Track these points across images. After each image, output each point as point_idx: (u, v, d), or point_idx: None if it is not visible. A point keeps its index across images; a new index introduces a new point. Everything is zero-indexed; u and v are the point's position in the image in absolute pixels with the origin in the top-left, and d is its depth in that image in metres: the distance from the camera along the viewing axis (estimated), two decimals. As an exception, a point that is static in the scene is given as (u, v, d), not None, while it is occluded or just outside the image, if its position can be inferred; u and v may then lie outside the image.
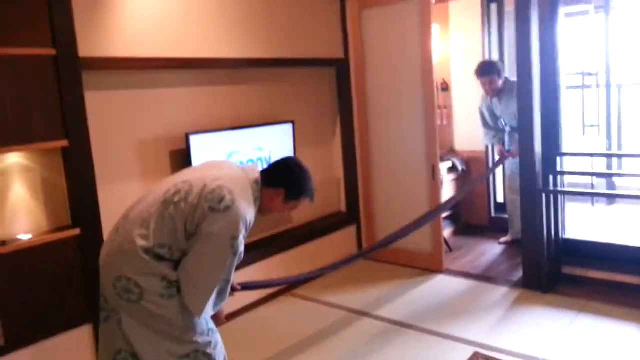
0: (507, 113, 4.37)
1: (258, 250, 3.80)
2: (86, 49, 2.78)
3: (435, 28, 4.62)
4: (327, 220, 4.44)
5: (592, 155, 4.99)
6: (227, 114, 3.67)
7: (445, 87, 5.15)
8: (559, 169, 3.72)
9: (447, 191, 4.82)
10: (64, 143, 2.71)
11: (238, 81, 3.74)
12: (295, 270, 4.00)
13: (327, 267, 3.31)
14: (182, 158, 3.28)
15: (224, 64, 3.51)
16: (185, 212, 1.90)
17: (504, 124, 4.49)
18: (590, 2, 5.11)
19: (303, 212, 4.21)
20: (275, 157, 3.83)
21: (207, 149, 3.40)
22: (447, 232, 4.92)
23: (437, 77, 5.10)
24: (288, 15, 3.93)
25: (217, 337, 2.07)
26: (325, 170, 4.53)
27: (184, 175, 2.07)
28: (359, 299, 3.71)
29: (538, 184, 3.57)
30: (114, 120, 3.07)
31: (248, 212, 1.94)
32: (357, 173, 4.54)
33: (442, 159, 4.87)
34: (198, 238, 1.88)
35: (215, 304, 1.97)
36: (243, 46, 3.61)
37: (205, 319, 2.03)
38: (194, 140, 3.31)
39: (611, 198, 5.29)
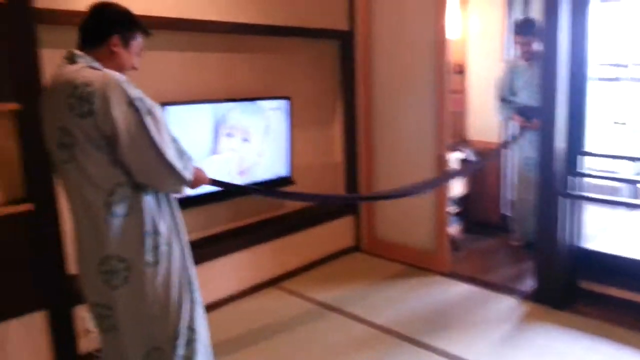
0: (532, 83, 3.91)
1: (245, 236, 3.47)
2: (43, -2, 2.39)
3: (453, 3, 4.19)
4: (323, 208, 4.06)
5: (619, 157, 4.55)
6: (213, 85, 3.28)
7: (460, 70, 4.71)
8: (580, 169, 3.31)
9: (455, 184, 4.42)
10: (13, 106, 2.35)
11: (227, 48, 3.34)
12: (283, 261, 3.69)
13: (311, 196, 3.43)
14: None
15: (210, 27, 3.09)
16: (85, 147, 1.65)
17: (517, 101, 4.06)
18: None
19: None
20: (265, 136, 3.47)
21: (185, 123, 3.02)
22: (454, 229, 4.52)
23: (452, 58, 4.69)
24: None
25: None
26: (323, 153, 4.14)
27: (47, 119, 1.73)
28: (348, 298, 3.36)
29: (557, 186, 3.17)
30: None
31: (113, 78, 1.66)
32: (357, 158, 4.15)
33: (452, 149, 4.48)
34: (114, 142, 1.64)
35: (185, 166, 1.77)
36: (233, 8, 3.20)
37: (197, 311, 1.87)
38: (171, 111, 2.93)
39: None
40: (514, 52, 4.34)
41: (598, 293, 3.19)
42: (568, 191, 3.21)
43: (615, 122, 4.93)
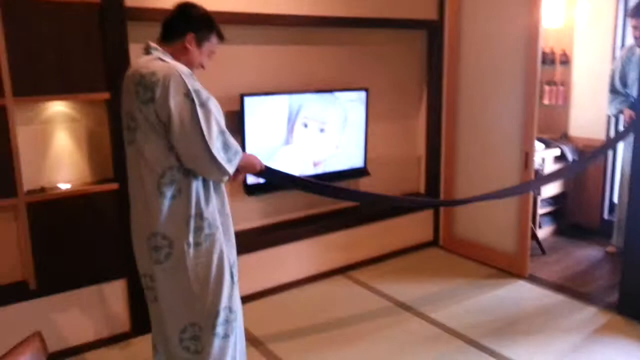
0: None
1: (321, 223, 3.56)
2: (134, -3, 2.65)
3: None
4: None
5: None
6: (290, 77, 3.39)
7: (565, 60, 4.38)
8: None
9: (548, 185, 4.14)
10: (106, 95, 2.64)
11: (306, 41, 3.42)
12: (356, 250, 3.74)
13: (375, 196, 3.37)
14: (234, 120, 3.08)
15: (291, 21, 3.19)
16: (145, 130, 1.82)
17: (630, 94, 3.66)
18: None
19: (377, 187, 3.84)
20: (342, 127, 3.52)
21: (262, 113, 3.17)
22: (545, 230, 4.26)
23: (557, 47, 4.38)
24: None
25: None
26: (404, 146, 4.09)
27: (123, 104, 1.94)
28: (418, 295, 3.32)
29: (653, 189, 2.87)
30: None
31: (176, 70, 1.80)
32: (440, 153, 4.05)
33: (550, 145, 4.21)
34: (169, 127, 1.79)
35: (229, 159, 1.88)
36: (314, 1, 3.26)
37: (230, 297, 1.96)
38: (249, 102, 3.10)
39: None
40: (627, 40, 3.95)
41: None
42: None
43: None
